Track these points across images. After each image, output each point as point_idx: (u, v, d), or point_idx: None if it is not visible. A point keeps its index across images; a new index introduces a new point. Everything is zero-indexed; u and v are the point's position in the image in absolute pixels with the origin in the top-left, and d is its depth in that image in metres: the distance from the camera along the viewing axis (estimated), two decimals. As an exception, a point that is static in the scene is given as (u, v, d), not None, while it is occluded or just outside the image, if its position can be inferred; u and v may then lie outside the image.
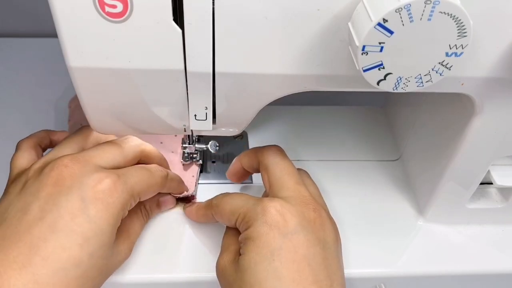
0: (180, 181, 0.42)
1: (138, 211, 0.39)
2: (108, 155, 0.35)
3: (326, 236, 0.34)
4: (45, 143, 0.40)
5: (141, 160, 0.39)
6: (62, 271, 0.30)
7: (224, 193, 0.38)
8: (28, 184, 0.33)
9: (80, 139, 0.38)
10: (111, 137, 0.40)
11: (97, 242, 0.31)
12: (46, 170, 0.33)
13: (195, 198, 0.44)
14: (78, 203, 0.31)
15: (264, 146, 0.40)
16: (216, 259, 0.36)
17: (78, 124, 0.50)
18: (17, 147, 0.38)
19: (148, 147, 0.40)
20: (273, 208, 0.33)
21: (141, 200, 0.36)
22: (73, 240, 0.31)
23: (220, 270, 0.35)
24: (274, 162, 0.38)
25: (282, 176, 0.36)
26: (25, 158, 0.37)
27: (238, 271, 0.32)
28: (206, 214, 0.39)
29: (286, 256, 0.31)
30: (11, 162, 0.37)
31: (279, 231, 0.32)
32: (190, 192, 0.44)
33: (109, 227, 0.32)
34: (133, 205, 0.35)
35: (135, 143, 0.38)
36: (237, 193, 0.37)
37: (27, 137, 0.39)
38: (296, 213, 0.33)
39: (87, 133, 0.39)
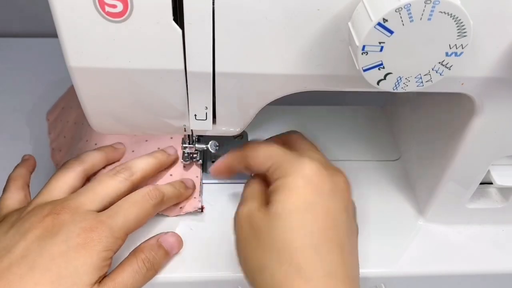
0: (180, 194, 0.42)
1: (134, 261, 0.36)
2: (99, 198, 0.37)
3: (349, 208, 0.35)
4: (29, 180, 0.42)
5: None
6: None
7: (255, 142, 0.38)
8: (18, 225, 0.35)
9: (69, 178, 0.39)
10: (98, 160, 0.41)
11: (69, 281, 0.32)
12: (39, 216, 0.35)
13: (204, 208, 0.44)
14: (62, 246, 0.33)
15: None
16: (211, 260, 0.38)
17: (62, 137, 0.50)
18: (5, 188, 0.40)
19: (141, 169, 0.40)
20: (311, 169, 0.33)
21: (133, 231, 0.37)
22: (47, 278, 0.32)
23: (244, 217, 0.34)
24: (302, 141, 0.39)
25: (310, 149, 0.38)
26: (14, 199, 0.39)
27: (269, 218, 0.32)
28: (236, 159, 0.39)
29: (319, 213, 0.32)
30: (0, 201, 0.39)
31: (315, 190, 0.33)
32: (197, 205, 0.43)
33: (85, 267, 0.33)
34: (121, 244, 0.36)
35: (127, 175, 0.39)
36: (271, 143, 0.37)
37: (15, 178, 0.41)
38: (330, 180, 0.34)
39: (74, 168, 0.40)
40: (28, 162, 0.43)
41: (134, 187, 0.39)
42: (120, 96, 0.33)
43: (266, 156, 0.36)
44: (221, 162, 0.41)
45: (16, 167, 0.42)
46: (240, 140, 0.50)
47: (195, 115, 0.34)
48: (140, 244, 0.38)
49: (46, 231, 0.34)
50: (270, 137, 0.42)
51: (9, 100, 0.57)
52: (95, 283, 0.33)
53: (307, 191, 0.32)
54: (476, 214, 0.43)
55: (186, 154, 0.46)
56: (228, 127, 0.36)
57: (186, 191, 0.43)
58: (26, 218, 0.35)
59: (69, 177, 0.39)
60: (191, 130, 0.36)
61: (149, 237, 0.39)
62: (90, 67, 0.30)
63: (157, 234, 0.39)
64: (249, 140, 0.50)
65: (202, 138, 0.46)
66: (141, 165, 0.41)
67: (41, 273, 0.32)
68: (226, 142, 0.49)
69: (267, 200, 0.34)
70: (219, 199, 0.44)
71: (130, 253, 0.37)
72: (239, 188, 0.45)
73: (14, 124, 0.54)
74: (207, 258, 0.40)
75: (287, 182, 0.33)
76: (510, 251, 0.43)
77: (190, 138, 0.45)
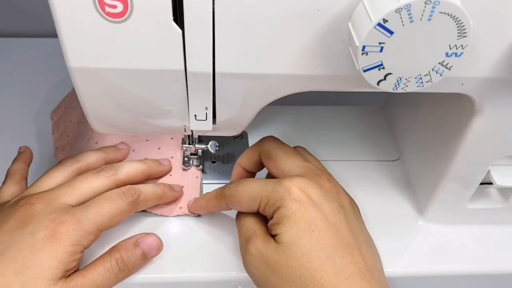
0: (163, 193, 0.41)
1: (107, 259, 0.36)
2: (77, 192, 0.37)
3: (343, 202, 0.36)
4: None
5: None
6: None
7: (235, 182, 0.38)
8: None
9: (59, 175, 0.39)
10: (94, 160, 0.41)
11: (32, 273, 0.33)
12: (16, 206, 0.36)
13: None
14: (29, 238, 0.33)
15: (259, 140, 0.41)
16: (211, 260, 0.38)
17: (65, 136, 0.50)
18: (3, 182, 0.41)
19: (127, 171, 0.40)
20: (295, 186, 0.34)
21: (107, 229, 0.37)
22: (11, 268, 0.32)
23: (254, 257, 0.34)
24: (275, 147, 0.39)
25: (288, 157, 0.38)
26: (9, 192, 0.40)
27: (280, 250, 0.33)
28: (218, 205, 0.39)
29: (321, 225, 0.33)
30: None
31: (308, 205, 0.34)
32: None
33: (50, 260, 0.33)
34: (92, 240, 0.35)
35: (110, 174, 0.39)
36: (250, 179, 0.38)
37: (13, 173, 0.42)
38: (315, 186, 0.35)
39: (67, 166, 0.40)
40: (24, 155, 0.44)
41: (115, 187, 0.39)
42: (120, 96, 0.33)
43: (250, 198, 0.36)
44: (202, 202, 0.41)
45: (14, 161, 0.43)
46: (240, 140, 0.50)
47: (195, 116, 0.34)
48: (118, 243, 0.38)
49: (18, 221, 0.34)
50: (246, 150, 0.42)
51: (9, 100, 0.57)
52: (60, 278, 0.33)
53: (303, 211, 0.33)
54: (476, 214, 0.43)
55: (186, 159, 0.46)
56: (228, 127, 0.36)
57: (170, 192, 0.42)
58: (5, 210, 0.36)
59: (59, 174, 0.39)
60: (191, 130, 0.36)
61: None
62: (90, 67, 0.30)
63: (138, 234, 0.39)
64: (249, 140, 0.50)
65: (202, 138, 0.46)
66: (128, 167, 0.41)
67: (6, 263, 0.33)
68: (226, 142, 0.49)
69: (266, 230, 0.35)
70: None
71: (107, 250, 0.37)
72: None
73: (14, 124, 0.54)
74: (207, 258, 0.40)
75: (283, 211, 0.34)
76: (510, 251, 0.43)
77: (190, 138, 0.45)
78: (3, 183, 0.41)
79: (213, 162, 0.48)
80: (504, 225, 0.44)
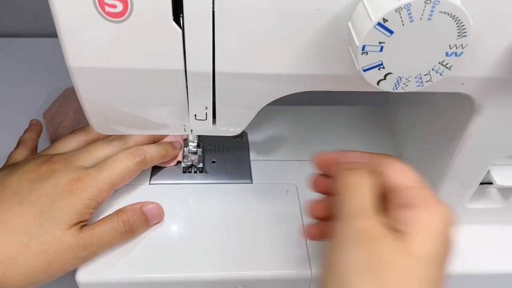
0: (166, 153, 0.45)
1: (115, 218, 0.39)
2: (92, 157, 0.41)
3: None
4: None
5: None
6: (12, 234, 0.35)
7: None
8: (16, 168, 0.39)
9: (73, 141, 0.43)
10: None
11: (50, 216, 0.36)
12: (37, 162, 0.39)
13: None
14: (50, 189, 0.37)
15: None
16: (212, 259, 0.38)
17: (61, 127, 0.52)
18: (16, 147, 0.44)
19: (137, 140, 0.44)
20: (450, 215, 0.31)
21: (118, 186, 0.40)
22: (30, 212, 0.36)
23: (360, 233, 0.28)
24: None
25: None
26: (21, 155, 0.43)
27: (401, 255, 0.28)
28: (361, 157, 0.34)
29: (442, 266, 0.30)
30: (9, 154, 0.43)
31: (447, 239, 0.30)
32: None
33: (67, 208, 0.36)
34: (105, 196, 0.39)
35: (122, 143, 0.42)
36: None
37: (25, 139, 0.45)
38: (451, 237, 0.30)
39: (78, 137, 0.43)
40: (36, 127, 0.47)
41: None
42: (120, 96, 0.33)
43: (405, 173, 0.32)
44: (331, 153, 0.35)
45: (25, 131, 0.46)
46: (240, 140, 0.50)
47: (195, 115, 0.34)
48: (124, 206, 0.40)
49: (40, 175, 0.38)
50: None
51: (9, 100, 0.57)
52: (74, 225, 0.37)
53: (443, 240, 0.29)
54: (476, 214, 0.43)
55: (186, 153, 0.46)
56: (228, 127, 0.36)
57: (173, 150, 0.45)
58: (24, 163, 0.40)
59: (73, 142, 0.43)
60: (191, 130, 0.36)
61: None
62: (90, 67, 0.30)
63: (142, 202, 0.42)
64: (249, 140, 0.50)
65: (202, 138, 0.46)
66: (136, 138, 0.44)
67: (26, 207, 0.36)
68: (226, 142, 0.49)
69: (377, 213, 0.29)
70: (221, 199, 0.44)
71: (114, 212, 0.40)
72: (243, 188, 0.45)
73: (14, 124, 0.54)
74: (207, 258, 0.40)
75: (427, 219, 0.29)
76: (510, 251, 0.43)
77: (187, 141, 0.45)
78: (16, 147, 0.44)
79: (213, 162, 0.48)
80: (504, 225, 0.44)
